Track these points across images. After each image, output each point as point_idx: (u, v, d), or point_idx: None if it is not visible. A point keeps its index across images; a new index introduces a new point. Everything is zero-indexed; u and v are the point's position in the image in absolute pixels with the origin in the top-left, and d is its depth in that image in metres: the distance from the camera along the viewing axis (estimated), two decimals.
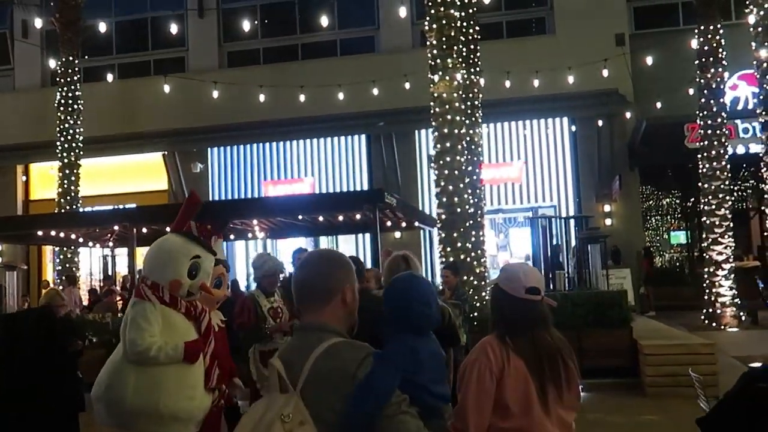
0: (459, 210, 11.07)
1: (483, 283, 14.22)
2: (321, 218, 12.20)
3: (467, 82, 14.46)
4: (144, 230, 13.14)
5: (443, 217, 11.06)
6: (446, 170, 11.04)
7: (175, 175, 20.66)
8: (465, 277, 10.96)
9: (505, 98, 17.71)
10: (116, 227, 12.82)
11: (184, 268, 4.27)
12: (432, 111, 11.26)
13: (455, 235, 10.96)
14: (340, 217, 12.53)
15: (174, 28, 21.40)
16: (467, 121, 14.37)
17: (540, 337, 2.62)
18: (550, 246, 14.56)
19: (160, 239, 4.39)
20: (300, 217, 11.67)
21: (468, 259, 11.24)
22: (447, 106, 11.10)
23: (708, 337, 11.06)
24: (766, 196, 10.66)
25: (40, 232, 12.51)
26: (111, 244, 16.15)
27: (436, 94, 11.17)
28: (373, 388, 1.91)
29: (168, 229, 4.66)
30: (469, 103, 14.43)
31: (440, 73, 11.11)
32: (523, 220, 20.71)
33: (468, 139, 14.42)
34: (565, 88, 17.82)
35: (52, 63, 17.25)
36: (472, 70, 14.43)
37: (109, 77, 19.17)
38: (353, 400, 1.92)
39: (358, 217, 12.75)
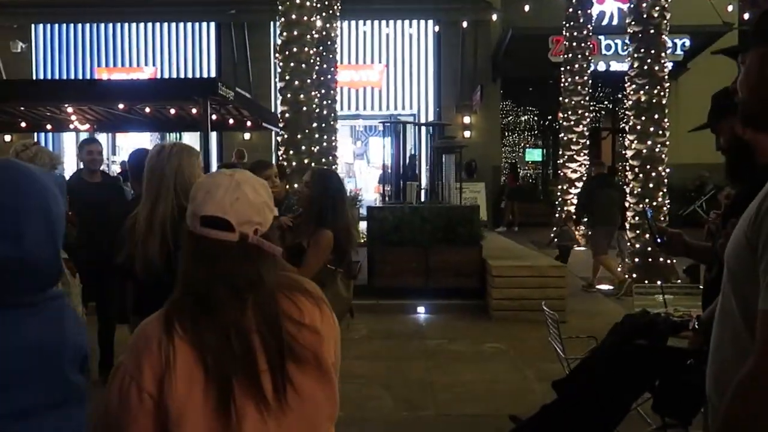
0: (305, 109, 9.84)
1: None
2: (147, 110, 10.60)
3: None
4: None
5: (287, 116, 9.81)
6: (292, 62, 9.72)
7: None
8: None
9: None
10: None
11: None
12: None
13: (299, 136, 9.77)
14: (173, 110, 10.99)
15: None
16: (323, 14, 13.06)
17: (225, 311, 1.46)
18: (405, 155, 13.71)
19: None
20: (121, 106, 10.01)
21: (313, 164, 10.11)
22: None
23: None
24: (628, 113, 10.16)
25: None
26: None
27: None
28: None
29: None
30: None
31: None
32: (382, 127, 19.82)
33: (324, 33, 13.16)
34: None
35: None
36: None
37: None
38: None
39: (194, 111, 11.29)
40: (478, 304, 8.45)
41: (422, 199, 11.68)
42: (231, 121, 12.78)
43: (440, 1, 16.96)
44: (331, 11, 13.20)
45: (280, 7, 9.81)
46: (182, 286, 1.53)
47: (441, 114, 17.94)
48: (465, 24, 16.80)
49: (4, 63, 17.93)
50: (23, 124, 12.63)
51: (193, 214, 1.53)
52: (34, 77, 18.24)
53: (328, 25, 13.20)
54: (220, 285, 1.49)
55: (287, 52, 9.75)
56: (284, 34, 9.79)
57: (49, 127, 13.29)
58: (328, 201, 3.95)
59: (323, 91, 13.14)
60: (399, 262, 8.72)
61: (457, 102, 17.86)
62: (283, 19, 9.81)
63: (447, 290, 8.62)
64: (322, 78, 13.15)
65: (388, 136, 19.33)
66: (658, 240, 3.01)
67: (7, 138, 16.41)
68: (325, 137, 13.24)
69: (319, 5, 12.99)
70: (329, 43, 13.28)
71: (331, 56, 13.36)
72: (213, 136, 18.24)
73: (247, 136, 17.60)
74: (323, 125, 13.19)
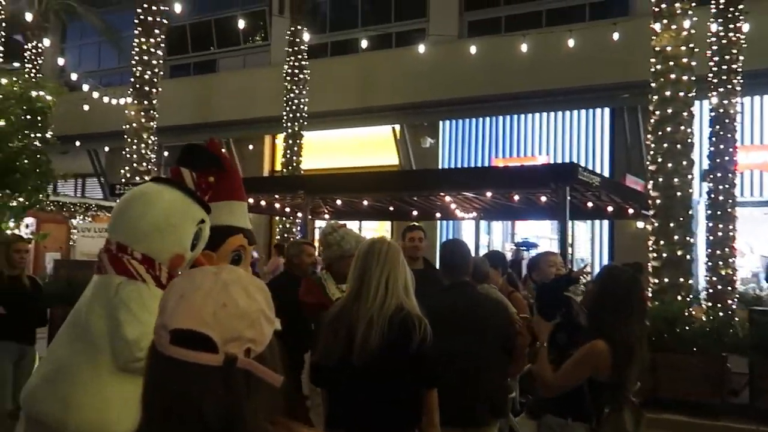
0: (679, 194, 8.76)
1: (730, 288, 11.66)
2: (517, 197, 10.55)
3: (723, 40, 11.81)
4: (365, 203, 12.55)
5: (657, 202, 8.84)
6: (665, 143, 8.81)
7: (404, 150, 20.04)
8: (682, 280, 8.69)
9: None
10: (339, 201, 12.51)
11: (189, 237, 3.06)
12: (652, 69, 9.06)
13: (672, 225, 8.69)
14: (543, 198, 10.78)
15: None
16: (720, 89, 11.76)
17: None
18: None
19: (148, 192, 3.04)
20: (489, 194, 10.13)
21: (688, 256, 8.91)
22: (671, 63, 8.84)
23: None
24: None
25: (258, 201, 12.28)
26: (327, 215, 15.89)
27: (657, 48, 8.95)
28: None
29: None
30: (725, 67, 11.79)
31: (665, 21, 8.86)
32: None
33: (721, 111, 11.82)
34: None
35: (306, 37, 17.32)
36: (731, 26, 11.76)
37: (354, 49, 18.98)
38: None
39: (590, 204, 11.00)
40: None
41: None
42: (610, 208, 12.10)
43: None
44: (729, 86, 11.81)
45: (652, 84, 9.03)
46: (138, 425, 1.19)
47: None
48: None
49: (415, 157, 19.84)
50: (414, 213, 13.66)
51: (161, 326, 1.16)
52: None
53: (725, 102, 11.83)
54: (178, 427, 1.10)
55: (660, 132, 8.89)
56: (656, 112, 8.98)
57: (438, 215, 14.17)
58: (608, 304, 3.25)
59: (718, 174, 11.75)
60: None
61: None
62: (656, 97, 9.01)
63: None
64: (717, 160, 11.81)
65: None
66: None
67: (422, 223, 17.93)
68: (721, 226, 11.75)
69: (717, 80, 11.78)
70: (727, 121, 11.86)
71: (729, 135, 11.91)
72: (605, 225, 17.58)
73: (640, 224, 16.52)
74: (718, 212, 11.75)
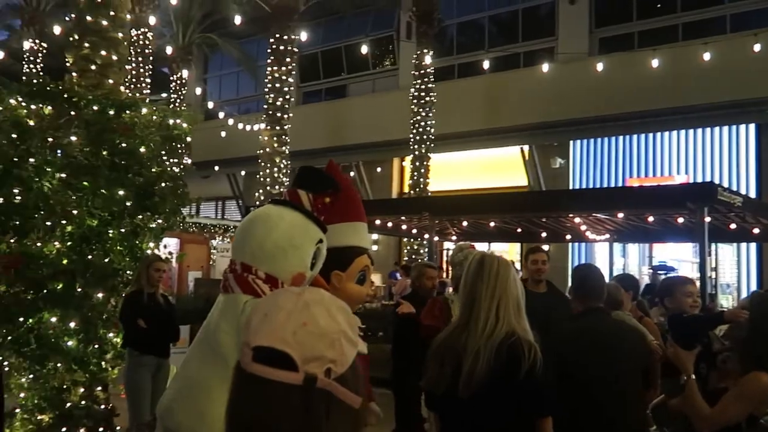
0: None
1: None
2: (651, 218, 10.08)
3: None
4: (491, 224, 12.44)
5: None
6: None
7: (533, 171, 19.68)
8: None
9: None
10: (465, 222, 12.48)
11: (310, 256, 3.17)
12: None
13: None
14: (680, 219, 10.24)
15: (545, 17, 20.76)
16: None
17: None
18: None
19: (270, 214, 3.20)
20: (620, 216, 9.74)
21: None
22: None
23: None
24: None
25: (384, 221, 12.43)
26: (454, 237, 15.83)
27: None
28: None
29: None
30: None
31: None
32: None
33: None
34: None
35: (428, 60, 17.55)
36: None
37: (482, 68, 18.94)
38: None
39: (708, 220, 10.35)
40: None
41: None
42: (756, 230, 11.32)
43: None
44: None
45: None
46: None
47: None
48: None
49: (545, 178, 19.44)
50: (543, 235, 13.35)
51: (245, 344, 1.19)
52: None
53: None
54: None
55: None
56: None
57: (568, 237, 13.79)
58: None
59: None
60: None
61: None
62: None
63: None
64: None
65: None
66: None
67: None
68: None
69: None
70: None
71: None
72: (752, 248, 16.43)
73: None
74: None
